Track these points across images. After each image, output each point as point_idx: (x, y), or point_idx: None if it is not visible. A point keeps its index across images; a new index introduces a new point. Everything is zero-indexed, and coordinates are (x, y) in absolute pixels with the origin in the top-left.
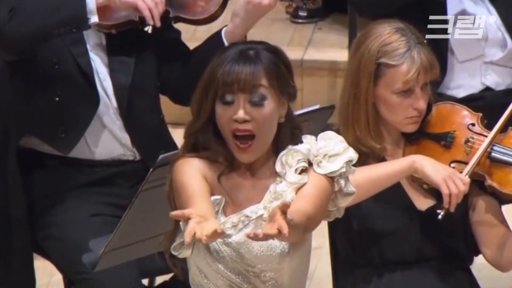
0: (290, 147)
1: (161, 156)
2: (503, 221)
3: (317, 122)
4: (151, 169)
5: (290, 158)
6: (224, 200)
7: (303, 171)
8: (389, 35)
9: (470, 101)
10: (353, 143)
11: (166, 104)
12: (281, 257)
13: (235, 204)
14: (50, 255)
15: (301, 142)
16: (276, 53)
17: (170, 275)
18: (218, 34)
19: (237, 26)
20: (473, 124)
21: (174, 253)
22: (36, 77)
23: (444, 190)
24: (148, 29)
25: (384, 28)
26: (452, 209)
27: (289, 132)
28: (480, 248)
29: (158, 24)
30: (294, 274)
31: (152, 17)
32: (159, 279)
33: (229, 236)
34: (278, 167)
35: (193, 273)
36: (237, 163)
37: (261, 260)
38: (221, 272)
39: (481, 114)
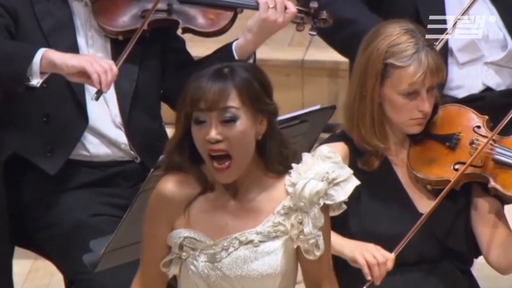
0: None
1: (161, 157)
2: (505, 223)
3: (318, 123)
4: (151, 170)
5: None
6: (198, 231)
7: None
8: (398, 36)
9: (470, 102)
10: (358, 141)
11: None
12: (272, 279)
13: (219, 226)
14: (51, 255)
15: (289, 163)
16: (252, 71)
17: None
18: (228, 47)
19: (249, 41)
20: (478, 126)
21: (163, 269)
22: (23, 96)
23: (360, 261)
24: (93, 97)
25: (394, 28)
26: (376, 282)
27: (277, 149)
28: (481, 249)
29: (106, 90)
30: None
31: (100, 82)
32: None
33: (220, 259)
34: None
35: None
36: (217, 184)
37: (252, 283)
38: None
39: (487, 117)
